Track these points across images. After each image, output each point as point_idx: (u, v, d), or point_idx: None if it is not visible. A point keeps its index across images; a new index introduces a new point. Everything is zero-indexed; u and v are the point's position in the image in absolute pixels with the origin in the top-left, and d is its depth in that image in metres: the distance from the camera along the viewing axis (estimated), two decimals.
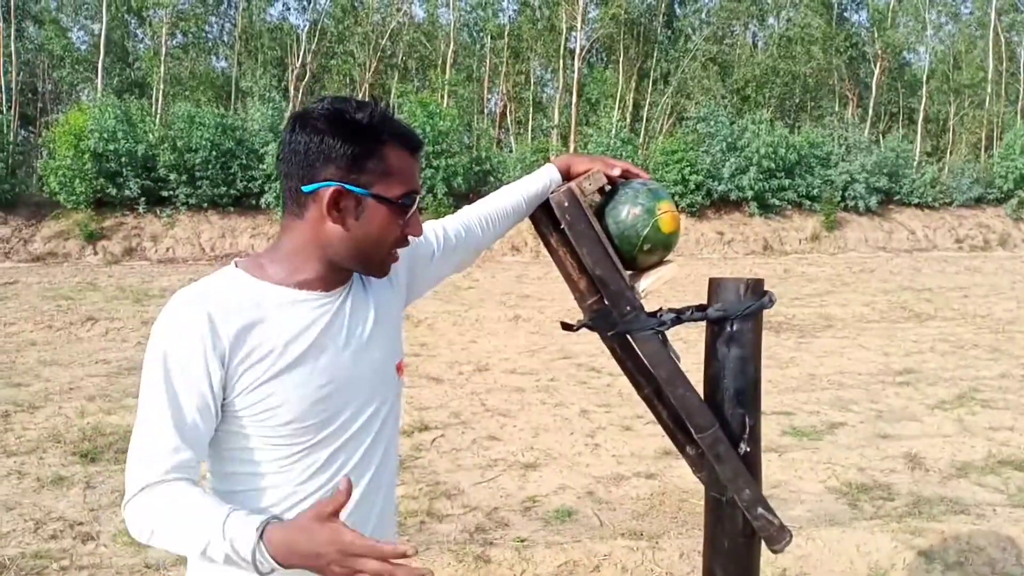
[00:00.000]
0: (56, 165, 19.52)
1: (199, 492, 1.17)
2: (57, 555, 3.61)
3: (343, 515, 1.26)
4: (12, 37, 25.00)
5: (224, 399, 1.22)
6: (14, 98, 25.12)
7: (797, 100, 34.44)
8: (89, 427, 5.57)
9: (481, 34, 33.09)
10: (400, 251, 1.35)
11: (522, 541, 3.77)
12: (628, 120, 29.78)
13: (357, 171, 1.24)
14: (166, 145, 20.52)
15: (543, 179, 1.78)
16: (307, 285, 1.28)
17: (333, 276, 1.31)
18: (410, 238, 1.33)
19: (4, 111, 22.78)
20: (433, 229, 1.63)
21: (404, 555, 1.05)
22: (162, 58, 25.90)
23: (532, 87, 33.04)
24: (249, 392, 1.22)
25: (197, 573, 1.31)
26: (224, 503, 1.16)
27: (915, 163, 27.68)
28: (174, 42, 28.95)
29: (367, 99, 1.27)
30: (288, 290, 1.27)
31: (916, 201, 26.23)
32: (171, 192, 20.35)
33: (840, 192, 25.05)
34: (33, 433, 5.45)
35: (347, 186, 1.23)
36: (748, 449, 1.79)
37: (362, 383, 1.33)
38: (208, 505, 1.14)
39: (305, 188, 1.24)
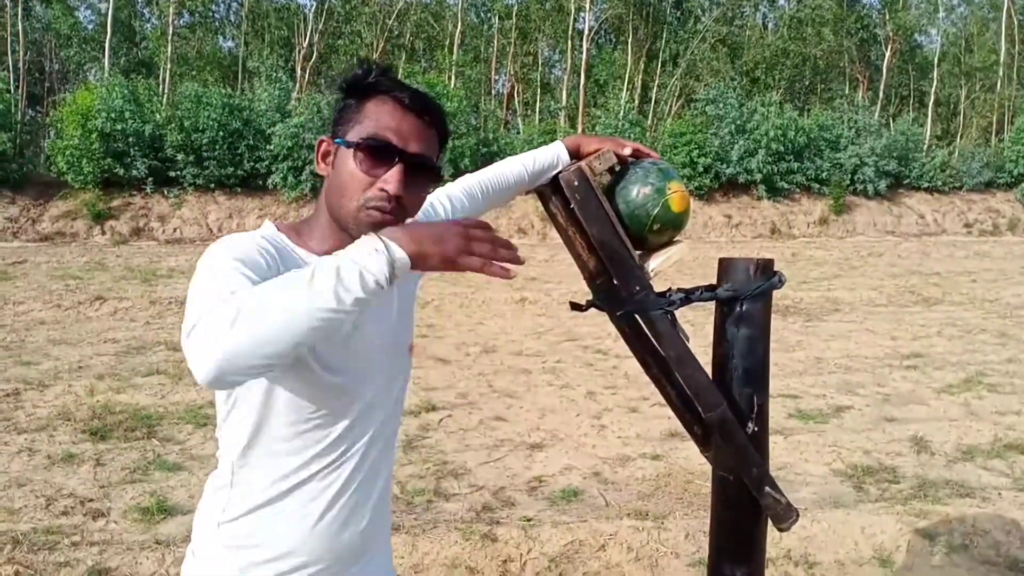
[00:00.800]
0: (63, 145, 19.54)
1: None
2: (68, 531, 3.64)
3: (342, 497, 1.29)
4: (19, 16, 24.94)
5: None
6: (21, 77, 25.12)
7: (807, 82, 34.23)
8: (98, 405, 5.60)
9: (489, 14, 32.94)
10: (380, 213, 1.22)
11: (528, 520, 3.80)
12: (636, 102, 29.65)
13: (342, 122, 1.27)
14: (173, 125, 20.52)
15: (549, 154, 1.78)
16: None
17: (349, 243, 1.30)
18: (383, 190, 1.22)
19: (11, 90, 22.77)
20: (440, 199, 1.63)
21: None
22: (169, 38, 25.82)
23: (540, 68, 32.89)
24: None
25: (205, 552, 1.33)
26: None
27: (925, 147, 27.51)
28: (181, 22, 28.86)
29: (386, 65, 1.29)
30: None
31: (926, 185, 26.09)
32: (178, 172, 20.37)
33: (849, 175, 24.92)
34: (43, 411, 5.49)
35: (331, 137, 1.28)
36: (756, 428, 1.79)
37: (380, 359, 1.34)
38: (296, 271, 1.03)
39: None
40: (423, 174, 1.28)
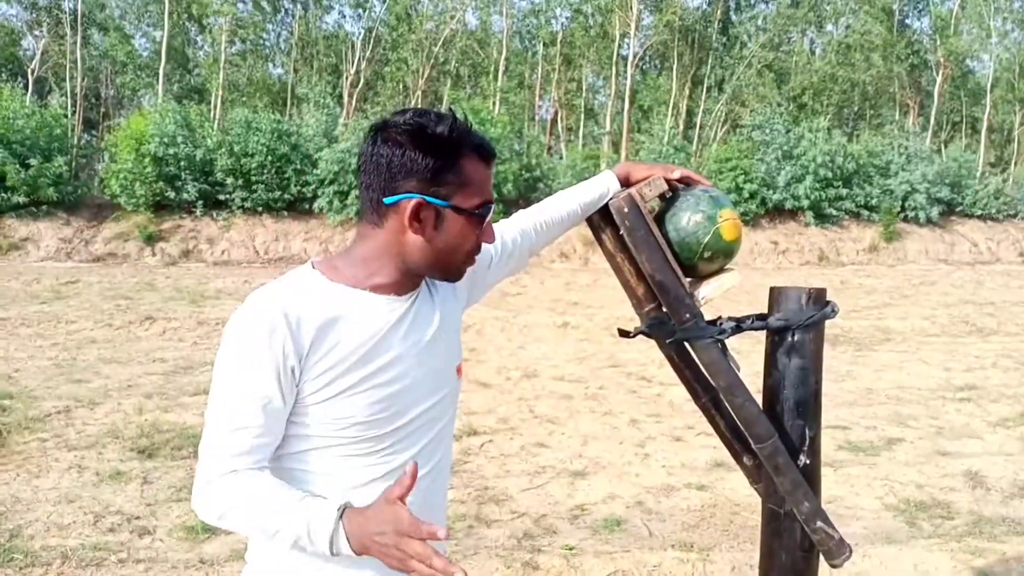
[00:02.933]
0: (117, 168, 20.08)
1: (272, 479, 1.23)
2: (115, 548, 3.69)
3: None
4: (78, 44, 25.80)
5: (296, 396, 1.25)
6: (78, 103, 25.92)
7: (856, 108, 33.81)
8: (147, 424, 5.70)
9: (533, 41, 33.18)
10: (474, 259, 1.39)
11: (570, 549, 3.75)
12: (681, 127, 29.54)
13: (437, 184, 1.27)
14: (223, 150, 20.95)
15: (600, 187, 1.77)
16: (381, 289, 1.32)
17: (407, 281, 1.34)
18: (484, 245, 1.37)
19: (68, 116, 23.50)
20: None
21: (435, 536, 1.11)
22: (221, 65, 26.47)
23: (584, 94, 32.99)
24: (320, 390, 1.25)
25: (260, 558, 1.33)
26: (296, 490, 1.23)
27: (978, 173, 26.91)
28: (233, 49, 29.58)
29: (446, 112, 1.30)
30: (362, 292, 1.30)
31: (979, 212, 25.49)
32: (227, 196, 20.76)
33: (900, 202, 24.46)
34: (93, 429, 5.60)
35: (428, 198, 1.27)
36: (808, 461, 1.75)
37: (426, 384, 1.36)
38: (282, 492, 1.20)
39: (386, 200, 1.27)
40: None
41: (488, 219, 1.35)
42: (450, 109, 1.32)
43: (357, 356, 1.26)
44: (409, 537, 1.11)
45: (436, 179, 1.26)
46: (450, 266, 1.35)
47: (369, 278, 1.31)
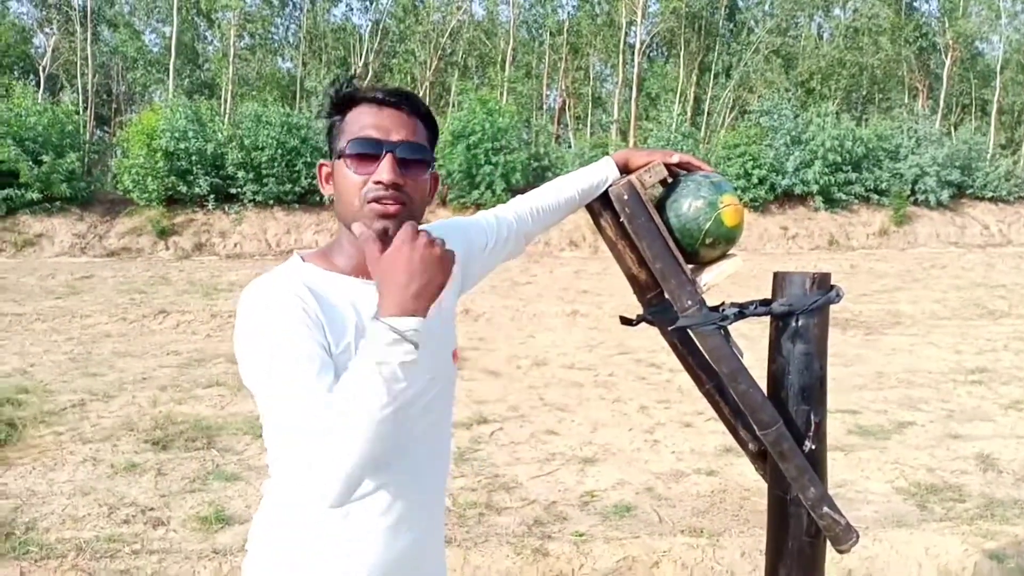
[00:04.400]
0: (130, 164, 20.17)
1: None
2: (129, 539, 3.74)
3: (396, 504, 1.32)
4: (88, 41, 25.89)
5: None
6: (90, 99, 26.04)
7: (864, 92, 33.54)
8: (161, 416, 5.75)
9: (540, 31, 33.06)
10: (382, 204, 1.26)
11: (580, 535, 3.77)
12: (689, 114, 29.42)
13: (332, 142, 1.34)
14: (234, 144, 21.01)
15: (599, 173, 1.77)
16: (365, 273, 1.31)
17: None
18: (379, 182, 1.25)
19: (80, 112, 23.60)
20: (485, 219, 1.66)
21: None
22: (230, 59, 26.52)
23: (591, 82, 32.86)
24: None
25: (260, 545, 1.36)
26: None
27: (988, 156, 26.69)
28: (242, 44, 29.61)
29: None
30: (354, 280, 1.31)
31: (990, 195, 25.31)
32: (239, 189, 20.83)
33: (910, 186, 24.31)
34: (108, 421, 5.65)
35: (329, 158, 1.36)
36: (813, 447, 1.76)
37: (423, 369, 1.33)
38: (352, 365, 1.14)
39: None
40: (416, 160, 1.30)
41: (382, 155, 1.26)
42: (341, 77, 1.40)
43: (352, 343, 1.25)
44: (414, 237, 1.16)
45: (331, 138, 1.34)
46: (349, 216, 1.28)
47: (351, 262, 1.34)
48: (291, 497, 1.32)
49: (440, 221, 1.63)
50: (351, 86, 1.32)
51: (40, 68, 28.31)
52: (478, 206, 20.89)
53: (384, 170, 1.25)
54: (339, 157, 1.30)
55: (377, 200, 1.25)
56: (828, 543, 1.78)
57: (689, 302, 1.72)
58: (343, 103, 1.32)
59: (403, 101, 1.31)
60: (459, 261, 1.52)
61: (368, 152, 1.27)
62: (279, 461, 1.33)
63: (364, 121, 1.29)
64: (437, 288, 1.16)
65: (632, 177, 1.73)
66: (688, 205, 1.74)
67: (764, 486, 1.85)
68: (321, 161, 1.39)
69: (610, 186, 1.77)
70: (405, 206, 1.27)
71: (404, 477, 1.34)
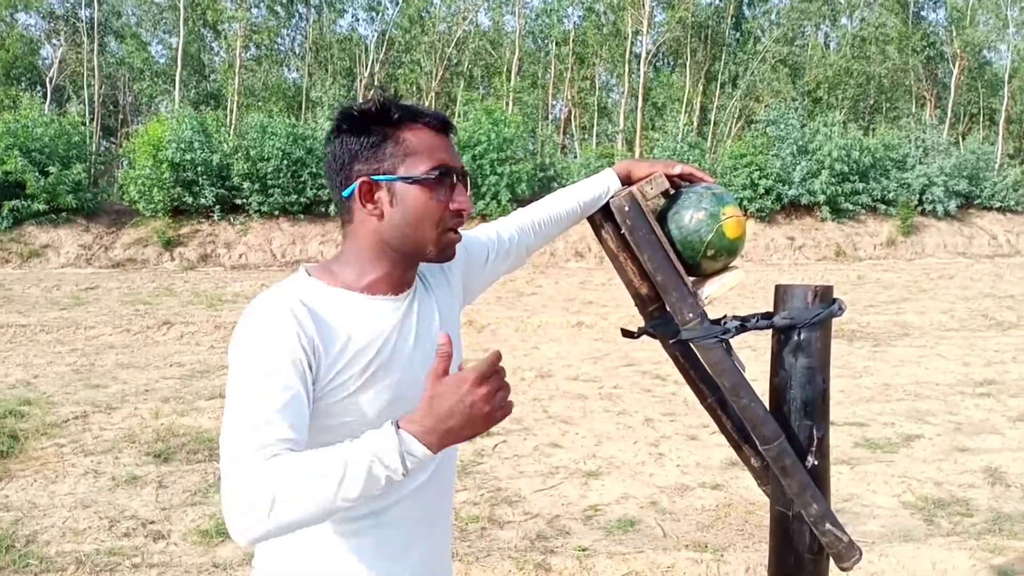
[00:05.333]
0: (136, 175, 20.25)
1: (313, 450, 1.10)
2: (129, 552, 3.71)
3: (406, 518, 1.28)
4: (95, 52, 26.06)
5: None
6: (96, 110, 26.19)
7: (872, 101, 33.53)
8: (163, 428, 5.73)
9: (546, 41, 33.15)
10: (458, 232, 1.34)
11: (583, 550, 3.73)
12: (695, 124, 29.43)
13: (378, 159, 1.27)
14: (240, 155, 21.08)
15: (600, 185, 1.76)
16: (376, 288, 1.30)
17: (399, 275, 1.32)
18: (461, 211, 1.31)
19: (87, 123, 23.71)
20: (486, 233, 1.65)
21: (499, 357, 1.11)
22: (236, 70, 26.64)
23: (597, 92, 32.93)
24: (326, 392, 1.23)
25: (267, 563, 1.33)
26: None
27: (996, 166, 26.61)
28: (248, 54, 29.77)
29: (377, 94, 1.31)
30: (360, 295, 1.29)
31: (998, 205, 25.22)
32: (244, 200, 20.89)
33: (917, 196, 24.24)
34: (110, 433, 5.64)
35: (374, 177, 1.27)
36: (816, 463, 1.73)
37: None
38: (330, 449, 1.08)
39: (344, 193, 1.29)
40: (466, 183, 1.36)
41: (456, 184, 1.31)
42: (379, 89, 1.36)
43: (364, 359, 1.24)
44: (480, 383, 1.08)
45: (376, 155, 1.27)
46: (423, 240, 1.29)
47: (361, 278, 1.30)
48: None
49: None
50: (396, 105, 1.29)
51: (47, 79, 28.50)
52: (483, 217, 20.90)
53: (466, 199, 1.32)
54: (415, 182, 1.26)
55: (454, 228, 1.32)
56: (831, 560, 1.74)
57: (690, 315, 1.70)
58: (394, 122, 1.28)
59: (451, 128, 1.34)
60: (460, 274, 1.52)
61: (447, 181, 1.29)
62: None
63: (437, 145, 1.29)
64: (466, 437, 1.10)
65: (633, 188, 1.71)
66: (690, 217, 1.72)
67: (768, 502, 1.82)
68: (365, 179, 1.27)
69: (611, 198, 1.75)
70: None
71: (412, 493, 1.33)
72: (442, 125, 1.31)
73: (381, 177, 1.26)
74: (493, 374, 1.09)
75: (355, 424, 1.24)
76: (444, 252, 1.32)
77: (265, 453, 1.08)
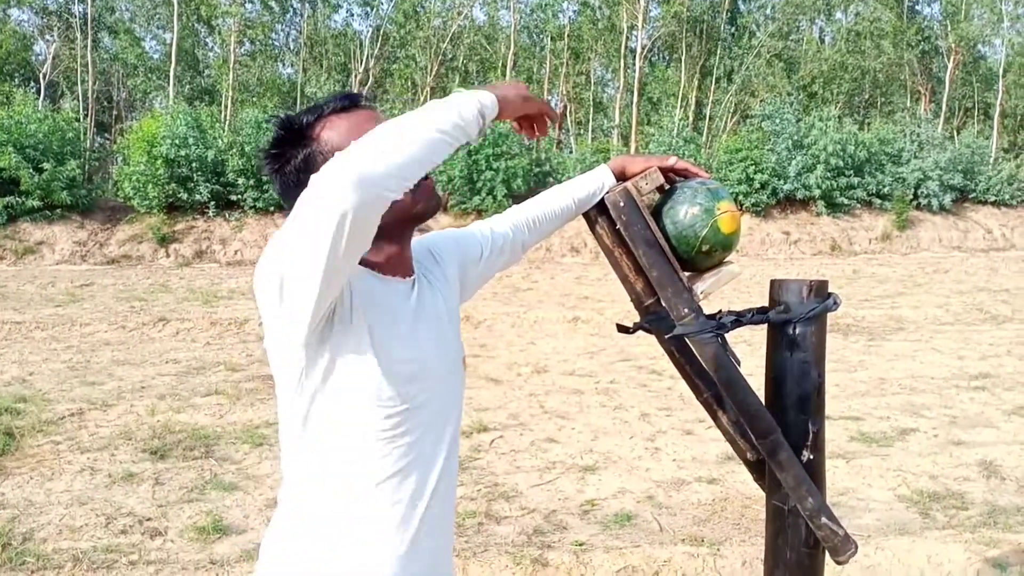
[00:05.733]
0: (130, 171, 20.19)
1: None
2: (126, 549, 3.71)
3: (418, 510, 1.31)
4: (89, 48, 25.95)
5: (331, 327, 1.22)
6: (90, 106, 26.08)
7: (867, 96, 33.57)
8: (159, 425, 5.73)
9: (541, 36, 33.11)
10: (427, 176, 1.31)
11: (580, 545, 3.74)
12: (691, 119, 29.43)
13: (313, 172, 1.19)
14: (234, 151, 21.02)
15: (595, 181, 1.76)
16: (385, 269, 1.33)
17: (395, 252, 1.34)
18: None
19: (81, 119, 23.63)
20: (480, 229, 1.65)
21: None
22: (231, 66, 26.54)
23: (592, 87, 32.91)
24: (343, 350, 1.23)
25: (273, 557, 1.33)
26: None
27: (991, 159, 26.66)
28: (242, 50, 29.65)
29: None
30: (374, 273, 1.32)
31: (993, 199, 25.27)
32: (239, 196, 20.84)
33: (912, 190, 24.27)
34: (106, 430, 5.63)
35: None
36: (811, 456, 1.73)
37: (440, 370, 1.36)
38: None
39: None
40: None
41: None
42: (275, 117, 1.33)
43: (377, 329, 1.25)
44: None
45: (313, 168, 1.21)
46: (404, 204, 1.24)
47: (376, 254, 1.32)
48: (308, 506, 1.31)
49: (435, 232, 1.62)
50: (305, 113, 1.30)
51: (41, 75, 28.40)
52: (479, 212, 20.89)
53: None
54: None
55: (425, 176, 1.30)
56: (827, 554, 1.75)
57: (686, 310, 1.70)
58: (307, 125, 1.30)
59: (360, 100, 1.33)
60: (456, 270, 1.53)
61: None
62: (295, 464, 1.31)
63: (348, 126, 1.28)
64: (511, 99, 1.29)
65: (628, 184, 1.71)
66: (685, 212, 1.72)
67: (765, 496, 1.82)
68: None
69: (606, 193, 1.75)
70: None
71: (419, 484, 1.33)
72: (347, 104, 1.31)
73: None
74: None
75: (367, 395, 1.25)
76: (430, 202, 1.34)
77: None
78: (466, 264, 1.57)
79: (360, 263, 1.30)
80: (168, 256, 19.33)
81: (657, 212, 1.76)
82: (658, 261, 1.70)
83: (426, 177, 1.29)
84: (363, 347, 1.24)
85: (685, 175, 1.80)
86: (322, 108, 1.30)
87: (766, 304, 1.77)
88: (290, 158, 1.29)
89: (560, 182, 1.84)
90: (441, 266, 1.50)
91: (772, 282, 1.76)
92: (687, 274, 1.76)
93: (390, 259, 1.33)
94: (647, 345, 8.32)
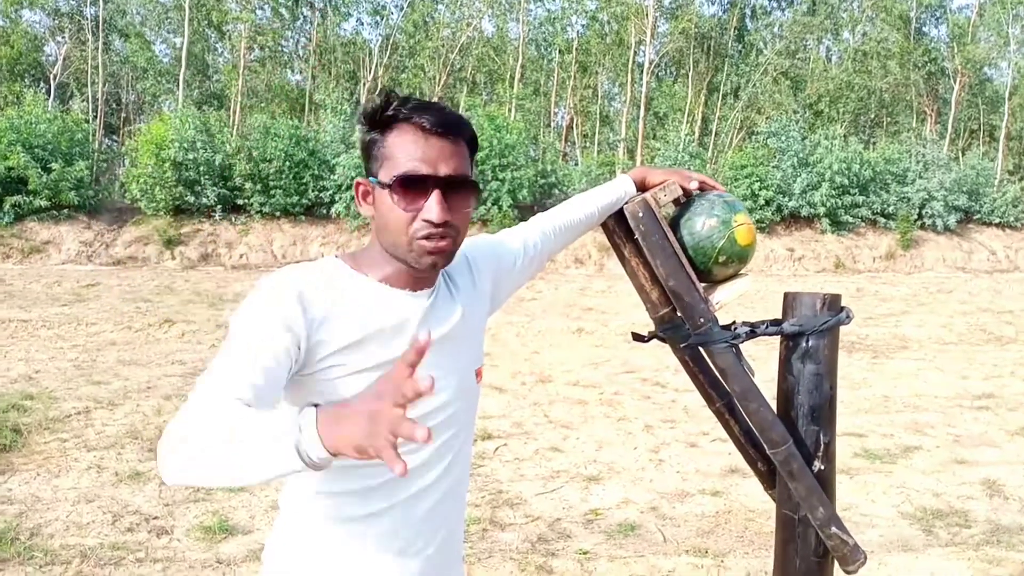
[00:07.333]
0: (138, 173, 20.28)
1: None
2: (133, 547, 3.74)
3: (422, 519, 1.30)
4: (99, 50, 26.10)
5: (300, 371, 1.22)
6: (99, 108, 26.22)
7: (872, 115, 33.64)
8: (165, 425, 5.74)
9: (549, 48, 33.25)
10: (432, 240, 1.24)
11: (585, 553, 3.76)
12: (696, 134, 29.51)
13: (371, 159, 1.29)
14: (242, 155, 21.11)
15: (617, 190, 1.78)
16: (393, 281, 1.31)
17: (408, 272, 1.31)
18: (426, 223, 1.23)
19: (90, 121, 23.75)
20: (513, 240, 1.64)
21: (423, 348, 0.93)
22: (240, 71, 26.70)
23: (599, 101, 33.02)
24: (325, 372, 1.23)
25: (277, 558, 1.35)
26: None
27: (996, 181, 26.69)
28: (252, 56, 29.81)
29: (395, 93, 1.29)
30: (378, 284, 1.30)
31: (997, 220, 25.29)
32: (246, 200, 20.92)
33: (917, 210, 24.31)
34: (112, 429, 5.66)
35: (368, 177, 1.30)
36: (822, 467, 1.76)
37: (443, 384, 1.33)
38: (260, 413, 1.02)
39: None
40: (462, 191, 1.27)
41: (429, 191, 1.23)
42: (386, 90, 1.30)
43: (366, 346, 1.24)
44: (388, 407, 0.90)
45: (370, 155, 1.29)
46: (396, 248, 1.27)
47: (379, 270, 1.32)
48: (308, 512, 1.32)
49: (474, 239, 1.60)
50: (394, 105, 1.26)
51: (51, 76, 28.54)
52: (484, 222, 20.92)
53: (433, 209, 1.23)
54: (384, 187, 1.25)
55: (426, 238, 1.24)
56: (836, 563, 1.78)
57: (702, 320, 1.73)
58: (386, 121, 1.26)
59: (450, 128, 1.25)
60: (489, 281, 1.53)
61: (416, 187, 1.23)
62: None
63: (410, 151, 1.24)
64: (347, 437, 0.93)
65: (647, 195, 1.75)
66: (702, 223, 1.75)
67: (769, 507, 1.85)
68: (359, 179, 1.31)
69: (625, 204, 1.79)
70: (453, 240, 1.28)
71: (427, 490, 1.34)
72: (436, 126, 1.24)
73: (370, 178, 1.29)
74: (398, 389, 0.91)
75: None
76: (419, 261, 1.26)
77: (216, 395, 1.06)
78: (500, 275, 1.57)
79: (367, 272, 1.31)
80: (174, 258, 19.38)
81: (675, 223, 1.80)
82: (675, 271, 1.74)
83: (429, 239, 1.24)
84: (332, 368, 1.23)
85: (703, 189, 1.83)
86: (417, 113, 1.24)
87: (770, 318, 1.79)
88: (366, 129, 1.29)
89: (565, 193, 1.86)
90: (474, 275, 1.49)
91: (786, 295, 1.79)
92: (703, 285, 1.80)
93: (397, 274, 1.31)
94: (651, 357, 8.34)
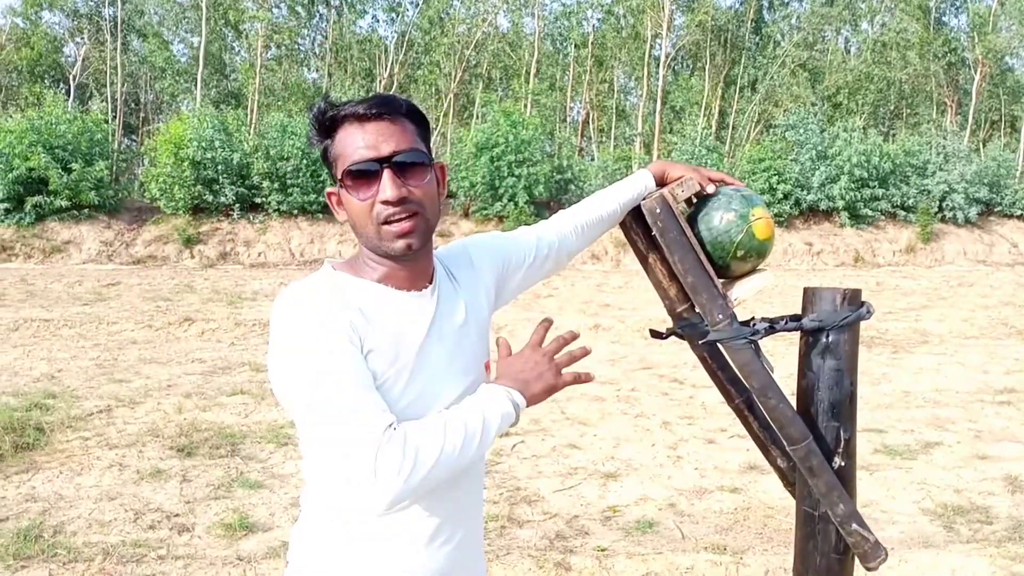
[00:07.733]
0: (157, 172, 20.46)
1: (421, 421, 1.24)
2: (155, 544, 3.77)
3: (442, 514, 1.31)
4: (118, 50, 26.30)
5: None
6: (118, 108, 26.42)
7: (892, 107, 33.33)
8: (186, 423, 5.80)
9: (565, 43, 33.18)
10: (397, 223, 1.26)
11: (603, 550, 3.76)
12: (713, 128, 29.36)
13: (330, 166, 1.32)
14: (260, 154, 21.23)
15: (638, 185, 1.77)
16: (390, 281, 1.32)
17: (398, 271, 1.33)
18: (387, 202, 1.25)
19: (109, 121, 23.96)
20: (526, 237, 1.64)
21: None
22: (257, 70, 26.81)
23: (615, 95, 32.91)
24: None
25: (302, 558, 1.36)
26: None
27: (1018, 173, 26.37)
28: (269, 54, 29.95)
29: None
30: (379, 286, 1.31)
31: (1019, 213, 25.00)
32: (264, 199, 21.05)
33: (937, 202, 24.07)
34: (133, 427, 5.71)
35: (336, 184, 1.32)
36: (843, 463, 1.74)
37: (453, 379, 1.35)
38: (438, 416, 1.24)
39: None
40: (415, 167, 1.28)
41: (379, 173, 1.24)
42: (323, 97, 1.34)
43: (384, 349, 1.25)
44: (536, 348, 1.42)
45: (328, 163, 1.32)
46: (369, 241, 1.29)
47: (372, 271, 1.33)
48: (330, 508, 1.33)
49: (479, 235, 1.61)
50: (331, 108, 1.28)
51: (70, 77, 28.80)
52: (500, 219, 20.93)
53: (386, 188, 1.24)
54: (344, 186, 1.28)
55: (388, 221, 1.26)
56: (856, 560, 1.76)
57: (720, 316, 1.72)
58: (328, 128, 1.29)
59: (383, 109, 1.26)
60: (492, 276, 1.53)
61: (365, 174, 1.25)
62: (316, 470, 1.33)
63: (353, 142, 1.25)
64: (541, 390, 1.37)
65: (665, 191, 1.73)
66: (720, 218, 1.74)
67: (788, 504, 1.84)
68: (329, 190, 1.35)
69: (643, 200, 1.77)
70: (419, 215, 1.28)
71: (446, 486, 1.33)
72: (369, 109, 1.25)
73: (337, 183, 1.31)
74: (540, 338, 1.44)
75: None
76: (392, 247, 1.27)
77: (383, 423, 1.16)
78: (507, 270, 1.56)
79: (364, 276, 1.32)
80: (193, 257, 19.53)
81: (692, 218, 1.78)
82: (693, 267, 1.72)
83: (393, 221, 1.26)
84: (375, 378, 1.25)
85: (720, 184, 1.82)
86: (344, 109, 1.27)
87: (788, 313, 1.78)
88: (317, 143, 1.32)
89: (582, 189, 1.85)
90: (475, 270, 1.49)
91: (806, 290, 1.77)
92: (721, 280, 1.78)
93: (392, 275, 1.32)
94: (668, 353, 8.31)
